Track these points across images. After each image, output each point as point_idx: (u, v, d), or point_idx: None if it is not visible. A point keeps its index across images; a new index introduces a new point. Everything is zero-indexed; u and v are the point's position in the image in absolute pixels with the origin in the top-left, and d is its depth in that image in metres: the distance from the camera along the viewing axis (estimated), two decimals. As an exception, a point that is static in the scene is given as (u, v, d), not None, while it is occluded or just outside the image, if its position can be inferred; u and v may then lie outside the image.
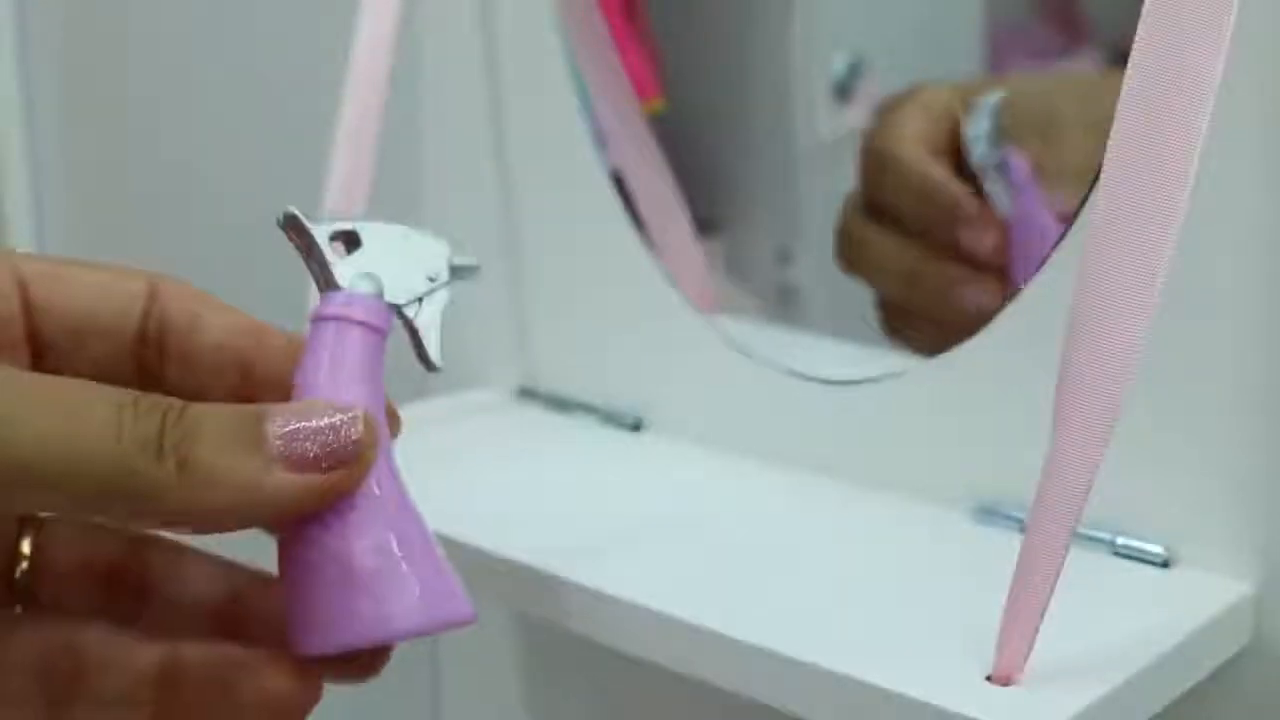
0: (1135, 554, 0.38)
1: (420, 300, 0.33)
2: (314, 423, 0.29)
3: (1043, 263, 0.39)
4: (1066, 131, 0.43)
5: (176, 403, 0.28)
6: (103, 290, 0.32)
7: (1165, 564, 0.38)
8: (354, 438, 0.29)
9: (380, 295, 0.32)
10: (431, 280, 0.33)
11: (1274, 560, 0.37)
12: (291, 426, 0.28)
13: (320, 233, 0.32)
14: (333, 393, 0.30)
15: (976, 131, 0.43)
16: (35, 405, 0.27)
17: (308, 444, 0.28)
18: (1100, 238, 0.31)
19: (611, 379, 0.51)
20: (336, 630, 0.29)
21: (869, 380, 0.43)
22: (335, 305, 0.31)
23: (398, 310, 0.32)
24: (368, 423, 0.29)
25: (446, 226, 0.56)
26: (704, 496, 0.45)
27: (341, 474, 0.29)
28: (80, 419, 0.27)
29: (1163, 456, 0.38)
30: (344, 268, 0.32)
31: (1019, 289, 0.40)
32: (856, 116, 0.50)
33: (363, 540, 0.29)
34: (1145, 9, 0.30)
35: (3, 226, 0.78)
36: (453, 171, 0.55)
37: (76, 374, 0.29)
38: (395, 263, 0.33)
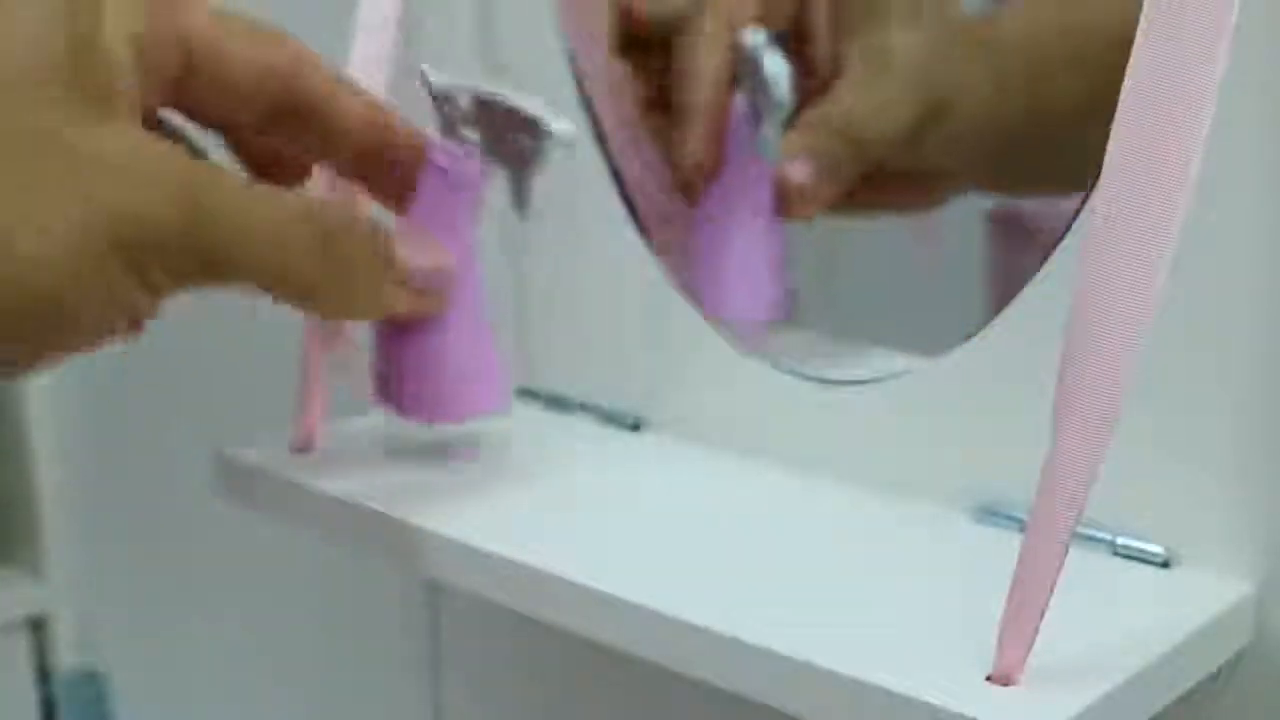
0: (1135, 554, 0.38)
1: (517, 159, 0.41)
2: (422, 261, 0.41)
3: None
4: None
5: (346, 228, 0.38)
6: (249, 68, 0.38)
7: (1165, 564, 0.38)
8: (445, 276, 0.42)
9: (477, 155, 0.41)
10: (528, 145, 0.41)
11: (1274, 560, 0.37)
12: (410, 261, 0.40)
13: (443, 94, 0.41)
14: (433, 237, 0.41)
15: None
16: (254, 227, 0.36)
17: (416, 275, 0.41)
18: (1100, 238, 0.31)
19: (611, 379, 0.51)
20: (424, 402, 0.43)
21: (869, 380, 0.43)
22: (441, 160, 0.41)
23: (495, 166, 0.42)
24: (451, 266, 0.42)
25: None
26: (704, 496, 0.45)
27: (435, 299, 0.42)
28: (288, 240, 0.37)
29: (1163, 456, 0.38)
30: (453, 128, 0.41)
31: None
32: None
33: (446, 337, 0.42)
34: (1145, 9, 0.30)
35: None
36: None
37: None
38: (499, 124, 0.41)
